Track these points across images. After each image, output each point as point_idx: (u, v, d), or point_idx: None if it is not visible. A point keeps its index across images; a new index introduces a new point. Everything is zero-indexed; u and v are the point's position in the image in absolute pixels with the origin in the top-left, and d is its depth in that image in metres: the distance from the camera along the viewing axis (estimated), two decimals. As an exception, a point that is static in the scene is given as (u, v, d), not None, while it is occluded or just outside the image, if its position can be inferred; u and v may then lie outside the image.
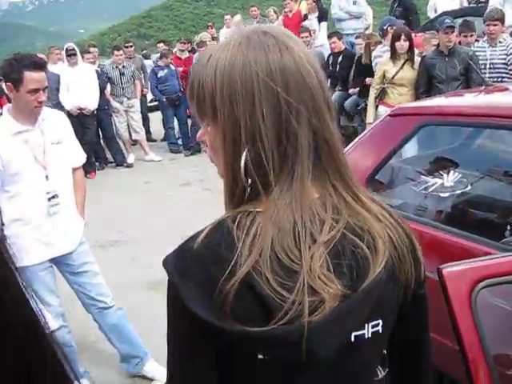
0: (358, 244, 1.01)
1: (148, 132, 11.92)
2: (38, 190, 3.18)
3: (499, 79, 6.55)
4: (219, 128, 1.02)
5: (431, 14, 10.78)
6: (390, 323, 1.11)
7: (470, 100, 3.61)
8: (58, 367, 0.60)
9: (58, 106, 8.29)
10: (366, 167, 3.04)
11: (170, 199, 8.03)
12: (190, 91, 1.07)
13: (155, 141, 12.19)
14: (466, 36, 7.19)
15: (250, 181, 1.02)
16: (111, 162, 10.70)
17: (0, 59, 3.17)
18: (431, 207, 3.28)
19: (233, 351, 1.01)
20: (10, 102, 3.31)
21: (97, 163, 10.30)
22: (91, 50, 10.77)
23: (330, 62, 9.55)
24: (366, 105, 7.59)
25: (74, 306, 3.70)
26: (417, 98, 6.44)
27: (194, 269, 0.98)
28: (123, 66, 10.39)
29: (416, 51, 7.11)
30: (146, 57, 15.12)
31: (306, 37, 9.04)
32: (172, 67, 10.92)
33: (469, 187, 3.28)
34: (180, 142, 11.40)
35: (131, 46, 11.87)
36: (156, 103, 12.02)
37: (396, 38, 6.85)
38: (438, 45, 6.77)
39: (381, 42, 8.13)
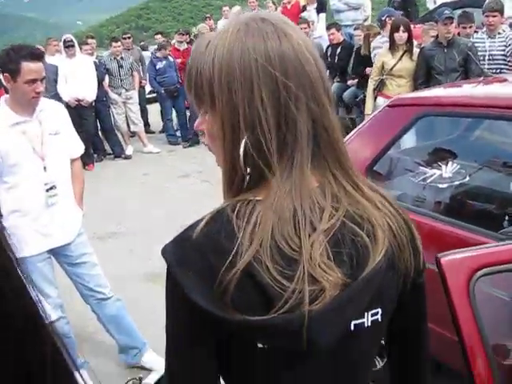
0: (358, 232, 1.01)
1: (146, 124, 11.91)
2: (36, 180, 3.17)
3: (498, 70, 6.54)
4: (217, 116, 1.01)
5: (430, 5, 10.77)
6: (389, 312, 1.11)
7: (469, 91, 3.60)
8: (58, 357, 0.60)
9: (56, 97, 8.25)
10: (365, 158, 3.04)
11: (169, 191, 8.03)
12: (188, 79, 1.06)
13: (153, 132, 12.17)
14: (465, 27, 7.18)
15: (248, 169, 1.02)
16: (109, 154, 10.68)
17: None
18: (429, 198, 3.28)
19: (232, 340, 1.01)
20: (7, 92, 3.29)
21: (95, 155, 10.29)
22: (89, 41, 10.75)
23: (329, 53, 9.53)
24: (365, 96, 7.57)
25: (73, 297, 3.71)
26: (415, 89, 6.43)
27: (194, 258, 0.97)
28: (121, 58, 10.37)
29: (415, 42, 7.09)
30: (144, 48, 15.08)
31: (305, 28, 9.00)
32: (170, 59, 10.89)
33: (467, 178, 3.29)
34: (178, 133, 11.37)
35: (129, 38, 11.82)
36: (154, 95, 12.00)
37: (395, 29, 6.83)
38: (437, 36, 6.75)
39: (380, 33, 8.11)
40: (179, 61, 10.98)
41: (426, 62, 6.63)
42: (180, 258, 0.98)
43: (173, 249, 1.00)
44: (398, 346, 1.30)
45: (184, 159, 10.00)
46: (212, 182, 7.38)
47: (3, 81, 3.13)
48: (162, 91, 10.83)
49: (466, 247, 1.30)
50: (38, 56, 3.07)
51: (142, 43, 18.41)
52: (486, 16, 6.73)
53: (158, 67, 10.77)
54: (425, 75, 6.63)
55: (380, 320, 1.07)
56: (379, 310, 1.07)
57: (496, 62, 6.66)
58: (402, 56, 6.85)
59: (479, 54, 6.61)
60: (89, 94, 9.39)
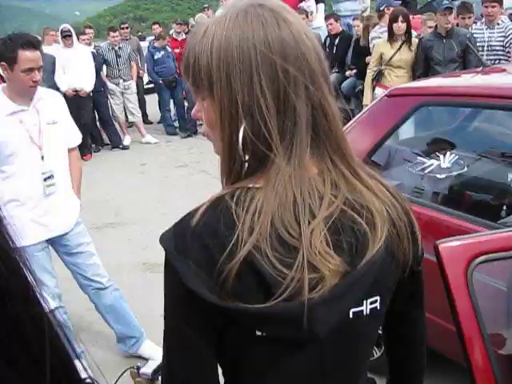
0: (357, 220, 1.01)
1: (144, 114, 11.90)
2: (33, 170, 3.17)
3: (497, 61, 6.53)
4: (216, 102, 1.00)
5: (429, -4, 10.72)
6: (387, 300, 1.11)
7: (467, 80, 3.59)
8: (58, 343, 0.60)
9: (54, 87, 8.21)
10: (363, 148, 3.03)
11: (167, 181, 8.03)
12: (186, 66, 1.05)
13: (151, 123, 12.17)
14: (463, 18, 7.17)
15: (247, 156, 1.01)
16: (107, 144, 10.67)
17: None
18: (428, 188, 3.28)
19: (231, 328, 1.01)
20: (4, 82, 3.28)
21: (93, 145, 10.29)
22: (87, 31, 10.71)
23: (327, 43, 9.50)
24: (363, 87, 7.56)
25: (71, 287, 3.70)
26: (414, 79, 6.41)
27: (192, 246, 0.96)
28: (119, 48, 10.34)
29: (414, 33, 7.08)
30: (142, 39, 15.02)
31: (303, 18, 8.96)
32: (168, 49, 10.86)
33: (465, 169, 3.28)
34: (176, 124, 11.37)
35: (127, 28, 11.79)
36: (152, 85, 11.97)
37: (393, 19, 6.81)
38: (436, 26, 6.74)
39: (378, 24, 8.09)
40: (177, 51, 10.93)
41: (425, 53, 6.62)
42: (179, 246, 0.98)
43: (171, 237, 1.00)
44: (395, 332, 1.30)
45: (182, 149, 9.99)
46: (210, 172, 7.39)
47: (0, 70, 3.11)
48: (160, 81, 10.80)
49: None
50: (34, 45, 3.05)
51: (140, 34, 18.33)
52: (485, 6, 6.72)
53: (156, 57, 10.74)
54: (423, 66, 6.63)
55: (378, 308, 1.08)
56: (378, 298, 1.07)
57: (495, 52, 6.66)
58: (400, 46, 6.84)
59: (478, 44, 6.60)
60: (86, 85, 9.36)
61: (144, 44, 13.04)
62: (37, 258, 3.22)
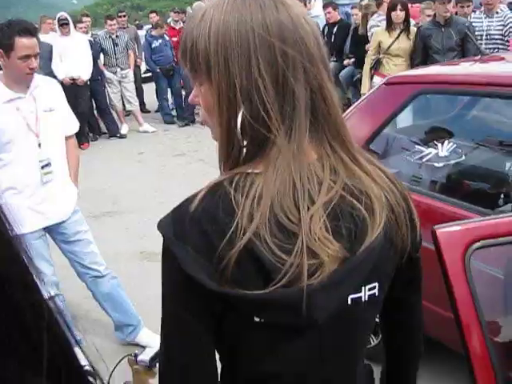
0: (356, 206, 1.00)
1: (142, 103, 11.86)
2: (30, 157, 3.16)
3: (495, 50, 6.52)
4: (214, 87, 0.99)
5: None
6: (385, 286, 1.11)
7: (466, 68, 3.58)
8: (57, 330, 0.59)
9: (51, 75, 8.17)
10: (361, 136, 3.02)
11: (164, 170, 8.02)
12: (183, 50, 1.04)
13: (149, 112, 12.14)
14: (462, 6, 7.16)
15: (245, 142, 1.00)
16: (104, 133, 10.65)
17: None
18: (426, 177, 3.27)
19: (230, 313, 1.01)
20: (1, 69, 3.26)
21: (90, 134, 10.27)
22: (84, 19, 10.65)
23: (325, 32, 9.47)
24: (362, 76, 7.55)
25: (68, 274, 3.70)
26: (412, 68, 6.40)
27: (191, 232, 0.96)
28: (116, 36, 10.29)
29: (412, 21, 7.06)
30: (139, 27, 14.95)
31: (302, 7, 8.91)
32: (166, 37, 10.81)
33: (463, 157, 3.28)
34: (174, 112, 11.35)
35: (124, 16, 11.73)
36: (150, 74, 11.93)
37: (392, 8, 6.79)
38: (435, 15, 6.72)
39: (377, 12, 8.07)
40: (175, 40, 10.89)
41: (424, 42, 6.60)
42: (177, 231, 0.97)
43: (169, 223, 0.99)
44: (393, 318, 1.31)
45: (179, 138, 9.97)
46: (207, 160, 7.38)
47: (-3, 57, 3.10)
48: (158, 70, 10.77)
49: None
50: (31, 31, 3.04)
51: (137, 22, 18.26)
52: (484, -5, 6.71)
53: (153, 46, 10.71)
54: (422, 54, 6.61)
55: (377, 294, 1.07)
56: (376, 285, 1.07)
57: (493, 41, 6.65)
58: (399, 35, 6.83)
59: (477, 33, 6.59)
60: (84, 73, 9.32)
61: (141, 33, 12.98)
62: (34, 245, 3.21)
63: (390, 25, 6.84)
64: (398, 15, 6.71)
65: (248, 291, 0.94)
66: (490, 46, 6.57)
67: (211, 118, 1.05)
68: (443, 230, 1.19)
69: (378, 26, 7.53)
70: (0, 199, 0.60)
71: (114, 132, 10.48)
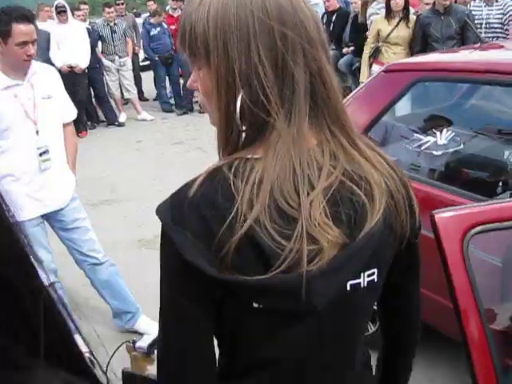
0: (356, 191, 1.00)
1: (140, 91, 11.84)
2: (28, 145, 3.15)
3: (495, 38, 6.50)
4: (212, 72, 0.99)
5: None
6: (384, 272, 1.11)
7: (465, 56, 3.57)
8: (58, 317, 0.59)
9: (49, 63, 8.12)
10: (359, 124, 3.01)
11: (163, 158, 8.01)
12: (182, 34, 1.03)
13: (147, 100, 12.12)
14: (462, -6, 7.12)
15: (244, 126, 1.00)
16: (103, 121, 10.63)
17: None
18: (424, 165, 3.27)
19: (229, 299, 1.00)
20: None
21: (88, 122, 10.24)
22: (81, 7, 10.60)
23: (324, 20, 9.42)
24: (360, 64, 7.53)
25: (67, 261, 3.70)
26: (411, 56, 6.39)
27: (190, 217, 0.95)
28: (114, 24, 10.25)
29: (411, 10, 7.03)
30: (137, 15, 14.89)
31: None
32: (164, 25, 10.77)
33: (462, 145, 3.28)
34: (172, 101, 11.32)
35: (122, 4, 11.67)
36: (148, 63, 11.89)
37: (391, -5, 6.77)
38: (434, 3, 6.69)
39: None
40: (173, 27, 10.84)
41: (423, 30, 6.59)
42: (175, 217, 0.97)
43: (168, 208, 0.98)
44: (391, 304, 1.31)
45: (178, 126, 9.96)
46: (206, 149, 7.37)
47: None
48: (156, 58, 10.74)
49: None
50: (28, 18, 3.02)
51: (135, 10, 18.16)
52: (484, -17, 6.68)
53: (151, 34, 10.67)
54: (421, 43, 6.60)
55: (376, 280, 1.07)
56: (375, 271, 1.07)
57: (493, 29, 6.63)
58: (398, 23, 6.81)
59: (476, 21, 6.58)
60: (82, 61, 9.29)
61: (139, 21, 12.93)
62: (32, 233, 3.21)
63: (389, 13, 6.82)
64: (398, 3, 6.69)
65: (248, 277, 0.94)
66: (490, 35, 6.55)
67: (210, 102, 1.04)
68: (442, 215, 1.19)
69: (378, 13, 7.51)
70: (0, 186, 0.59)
71: (112, 120, 10.46)
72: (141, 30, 11.54)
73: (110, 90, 10.46)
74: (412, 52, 6.61)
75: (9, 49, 2.99)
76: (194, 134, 9.05)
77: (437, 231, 1.17)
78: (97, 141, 9.24)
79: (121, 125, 10.40)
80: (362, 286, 1.05)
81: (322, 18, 9.47)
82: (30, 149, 3.16)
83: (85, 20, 10.36)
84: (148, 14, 11.70)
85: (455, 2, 6.99)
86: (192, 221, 0.95)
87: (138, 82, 11.52)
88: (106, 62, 10.29)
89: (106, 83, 10.46)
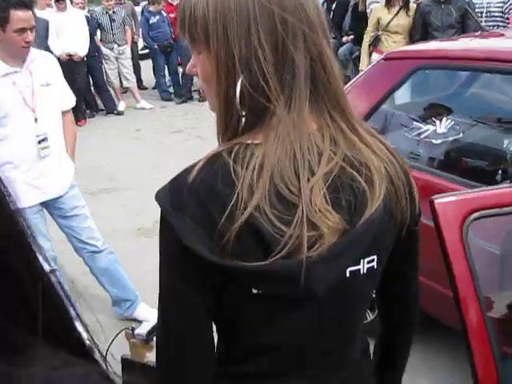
0: (356, 178, 0.99)
1: (139, 80, 11.81)
2: (27, 132, 3.14)
3: (495, 27, 6.48)
4: (212, 56, 0.98)
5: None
6: (384, 259, 1.11)
7: (466, 44, 3.56)
8: (57, 300, 0.59)
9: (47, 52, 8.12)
10: (359, 112, 3.00)
11: (162, 146, 8.00)
12: (181, 18, 1.02)
13: (146, 88, 12.09)
14: (462, -17, 7.08)
15: (244, 112, 0.99)
16: (102, 110, 10.60)
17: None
18: (424, 153, 3.27)
19: (230, 285, 1.00)
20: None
21: (87, 111, 10.22)
22: (80, -6, 10.53)
23: (324, 8, 9.38)
24: (360, 53, 7.50)
25: (66, 249, 3.71)
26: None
27: (189, 203, 0.95)
28: (113, 12, 10.20)
29: (412, -2, 7.01)
30: (136, 3, 14.81)
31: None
32: (164, 13, 10.72)
33: (461, 134, 3.27)
34: (171, 89, 11.29)
35: (121, -8, 11.62)
36: (147, 51, 11.85)
37: (391, -16, 6.74)
38: (434, -9, 6.67)
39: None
40: (172, 16, 10.79)
41: (423, 18, 6.56)
42: (175, 202, 0.96)
43: (167, 193, 0.98)
44: (391, 291, 1.31)
45: (177, 115, 9.94)
46: (205, 137, 7.36)
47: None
48: (155, 46, 10.70)
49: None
50: (27, 4, 3.00)
51: (133, -2, 18.05)
52: (485, -29, 6.65)
53: (151, 22, 10.62)
54: (421, 31, 6.58)
55: (375, 267, 1.07)
56: (375, 257, 1.06)
57: (493, 18, 6.60)
58: (398, 12, 6.78)
59: (477, 10, 6.55)
60: (80, 49, 9.25)
61: (138, 9, 12.87)
62: (31, 221, 3.21)
63: (389, 1, 6.79)
64: (398, -9, 6.66)
65: (247, 263, 0.94)
66: (490, 24, 6.52)
67: (209, 87, 1.03)
68: (441, 200, 1.19)
69: (378, 2, 7.48)
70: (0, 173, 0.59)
71: (111, 109, 10.44)
72: (139, 18, 11.49)
73: (109, 79, 10.43)
74: (412, 41, 6.59)
75: (7, 35, 2.98)
76: (193, 122, 9.04)
77: (436, 216, 1.17)
78: (96, 129, 9.23)
79: (120, 113, 10.38)
80: (361, 272, 1.05)
81: (322, 6, 9.42)
82: (28, 136, 3.15)
83: (83, 8, 10.29)
84: (146, 1, 11.64)
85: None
86: (191, 206, 0.95)
87: (136, 70, 11.49)
88: (104, 50, 10.25)
89: (105, 72, 10.42)
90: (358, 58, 7.78)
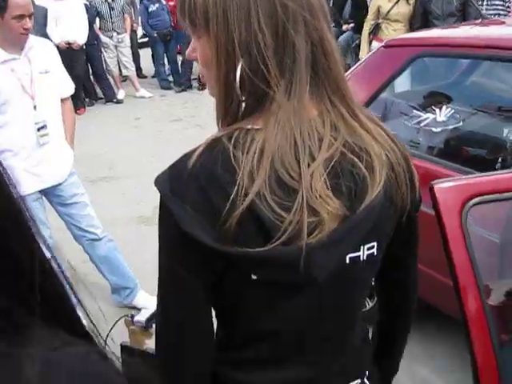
0: (357, 164, 0.99)
1: (138, 68, 11.76)
2: (26, 119, 3.13)
3: (496, 15, 6.45)
4: (212, 40, 0.97)
5: None
6: (384, 245, 1.11)
7: (466, 31, 3.55)
8: (60, 289, 0.59)
9: (46, 39, 8.08)
10: (359, 100, 2.98)
11: (161, 135, 7.98)
12: (181, 3, 1.02)
13: (146, 77, 12.04)
14: (463, -30, 7.05)
15: (243, 97, 0.98)
16: (101, 98, 10.56)
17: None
18: (423, 142, 3.26)
19: (231, 271, 1.00)
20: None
21: (86, 99, 10.19)
22: (79, -18, 10.47)
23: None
24: (360, 41, 7.48)
25: (65, 237, 3.70)
26: (412, 33, 6.35)
27: (189, 189, 0.95)
28: (112, 0, 10.14)
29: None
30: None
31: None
32: (163, 1, 10.66)
33: (461, 123, 3.27)
34: (171, 78, 11.25)
35: (120, -20, 11.54)
36: (146, 39, 11.79)
37: (391, -29, 6.71)
38: (435, -20, 6.64)
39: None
40: (172, 3, 10.74)
41: (423, 6, 6.54)
42: (174, 187, 0.96)
43: (166, 179, 0.98)
44: (391, 277, 1.31)
45: (176, 104, 9.91)
46: (204, 126, 7.35)
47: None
48: (155, 35, 10.65)
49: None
50: (25, -9, 2.98)
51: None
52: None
53: (150, 10, 10.56)
54: (421, 20, 6.56)
55: (375, 254, 1.07)
56: (375, 244, 1.06)
57: (494, 6, 6.58)
58: (398, 0, 6.74)
59: (477, -2, 6.52)
60: (79, 37, 9.19)
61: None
62: (30, 208, 3.19)
63: (389, -11, 6.76)
64: (398, -21, 6.63)
65: (248, 249, 0.94)
66: (491, 12, 6.50)
67: (209, 72, 1.03)
68: (441, 185, 1.19)
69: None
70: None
71: (110, 97, 10.40)
72: (139, 6, 11.43)
73: (108, 67, 10.39)
74: (412, 29, 6.57)
75: (5, 22, 2.96)
76: (193, 111, 9.02)
77: (436, 201, 1.17)
78: (95, 118, 9.20)
79: (119, 102, 10.35)
80: (361, 259, 1.05)
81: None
82: (27, 124, 3.14)
83: (82, -4, 10.25)
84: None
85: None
86: (191, 192, 0.94)
87: (136, 59, 11.45)
88: (103, 38, 10.20)
89: (104, 60, 10.38)
90: (358, 46, 7.76)
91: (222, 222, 0.93)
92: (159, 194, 0.98)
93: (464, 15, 6.33)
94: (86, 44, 9.45)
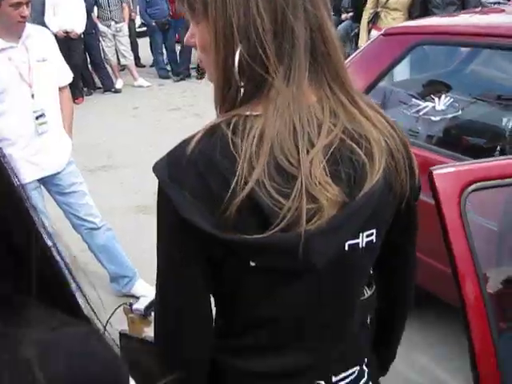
0: (356, 151, 0.99)
1: (137, 57, 11.72)
2: (24, 108, 3.12)
3: (496, 4, 6.43)
4: (210, 25, 0.97)
5: None
6: (383, 233, 1.11)
7: (466, 19, 3.54)
8: (60, 277, 0.59)
9: (44, 28, 8.04)
10: (357, 88, 2.98)
11: (159, 124, 7.96)
12: None
13: (144, 66, 12.00)
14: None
15: (242, 83, 0.98)
16: (99, 88, 10.53)
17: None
18: (422, 130, 3.26)
19: (230, 258, 1.00)
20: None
21: (85, 89, 10.15)
22: (77, -29, 10.41)
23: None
24: (359, 30, 7.46)
25: (63, 226, 3.70)
26: (411, 22, 6.33)
27: (188, 175, 0.94)
28: (110, -12, 10.09)
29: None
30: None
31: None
32: (161, -10, 10.62)
33: (460, 111, 3.26)
34: (169, 67, 11.22)
35: (118, -32, 11.47)
36: (145, 29, 11.74)
37: (391, -40, 6.68)
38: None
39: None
40: (170, -8, 10.70)
41: (423, -5, 6.51)
42: (172, 174, 0.96)
43: (164, 165, 0.98)
44: (390, 264, 1.30)
45: (175, 93, 9.88)
46: (203, 115, 7.33)
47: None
48: (153, 24, 10.60)
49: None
50: (22, -22, 2.96)
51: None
52: None
53: (148, -1, 10.51)
54: (421, 8, 6.54)
55: (374, 241, 1.07)
56: (374, 231, 1.06)
57: (494, -5, 6.56)
58: (397, -12, 6.72)
59: (477, -14, 6.49)
60: (77, 26, 9.14)
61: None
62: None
63: (388, -23, 6.74)
64: (397, -33, 6.61)
65: (247, 236, 0.93)
66: (491, 1, 6.48)
67: (207, 57, 1.02)
68: (440, 171, 1.18)
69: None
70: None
71: (108, 86, 10.37)
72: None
73: (107, 56, 10.35)
74: (411, 18, 6.54)
75: (3, 10, 2.94)
76: (191, 100, 9.00)
77: (434, 187, 1.16)
78: (93, 107, 9.18)
79: (117, 91, 10.32)
80: (360, 246, 1.05)
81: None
82: (25, 112, 3.13)
83: (80, -16, 10.19)
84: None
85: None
86: (190, 178, 0.94)
87: (134, 48, 11.40)
88: (101, 27, 10.15)
89: (102, 49, 10.33)
90: (357, 35, 7.73)
91: (222, 209, 0.92)
92: (157, 181, 0.97)
93: (463, 4, 6.30)
94: (84, 33, 9.39)
